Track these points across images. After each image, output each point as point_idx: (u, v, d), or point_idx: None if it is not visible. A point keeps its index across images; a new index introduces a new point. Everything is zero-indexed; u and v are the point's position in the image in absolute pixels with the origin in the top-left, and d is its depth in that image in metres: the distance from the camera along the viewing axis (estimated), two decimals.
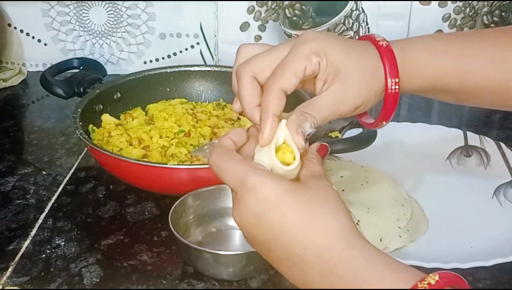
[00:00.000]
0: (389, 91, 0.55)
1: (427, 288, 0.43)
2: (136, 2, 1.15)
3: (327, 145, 0.55)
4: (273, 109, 0.52)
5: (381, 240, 0.71)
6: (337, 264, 0.46)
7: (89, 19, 1.17)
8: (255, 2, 1.14)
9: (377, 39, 0.56)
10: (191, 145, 0.87)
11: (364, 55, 0.55)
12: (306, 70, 0.53)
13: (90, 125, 0.89)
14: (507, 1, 1.12)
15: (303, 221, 0.47)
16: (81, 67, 1.03)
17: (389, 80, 0.55)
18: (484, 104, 0.63)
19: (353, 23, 1.14)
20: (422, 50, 0.58)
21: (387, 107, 0.57)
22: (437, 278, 0.43)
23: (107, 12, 1.16)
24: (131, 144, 0.86)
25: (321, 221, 0.47)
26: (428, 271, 0.65)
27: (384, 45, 0.56)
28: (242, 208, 0.50)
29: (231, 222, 0.75)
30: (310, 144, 0.54)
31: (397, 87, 0.55)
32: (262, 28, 1.16)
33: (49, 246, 0.73)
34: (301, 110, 0.53)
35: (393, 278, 0.44)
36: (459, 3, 1.13)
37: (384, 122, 0.59)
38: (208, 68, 1.03)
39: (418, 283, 0.43)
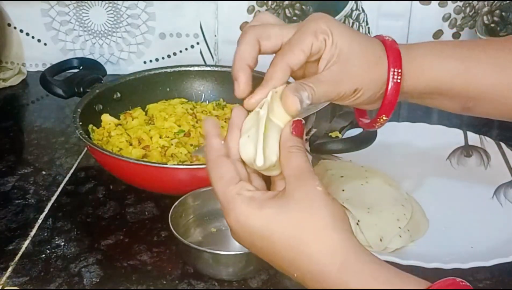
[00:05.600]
0: (391, 80, 0.56)
1: None
2: (136, 2, 1.15)
3: (301, 120, 0.52)
4: (274, 81, 0.53)
5: (381, 240, 0.70)
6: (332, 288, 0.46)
7: (89, 19, 1.17)
8: (255, 2, 1.14)
9: (384, 36, 0.58)
10: (191, 145, 0.87)
11: (369, 43, 0.56)
12: (313, 47, 0.53)
13: (90, 125, 0.89)
14: (508, 1, 1.12)
15: (294, 250, 0.47)
16: (81, 67, 1.03)
17: (391, 69, 0.56)
18: (488, 113, 0.62)
19: (353, 23, 1.14)
20: (428, 52, 0.58)
21: (388, 99, 0.57)
22: None
23: (107, 12, 1.16)
24: (131, 144, 0.86)
25: (312, 248, 0.47)
26: (428, 271, 0.66)
27: (390, 40, 0.57)
28: (233, 233, 0.51)
29: None
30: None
31: (399, 78, 0.56)
32: None
33: (49, 246, 0.73)
34: (300, 81, 0.53)
35: None
36: (459, 3, 1.13)
37: (384, 117, 0.59)
38: (208, 68, 1.03)
39: None
